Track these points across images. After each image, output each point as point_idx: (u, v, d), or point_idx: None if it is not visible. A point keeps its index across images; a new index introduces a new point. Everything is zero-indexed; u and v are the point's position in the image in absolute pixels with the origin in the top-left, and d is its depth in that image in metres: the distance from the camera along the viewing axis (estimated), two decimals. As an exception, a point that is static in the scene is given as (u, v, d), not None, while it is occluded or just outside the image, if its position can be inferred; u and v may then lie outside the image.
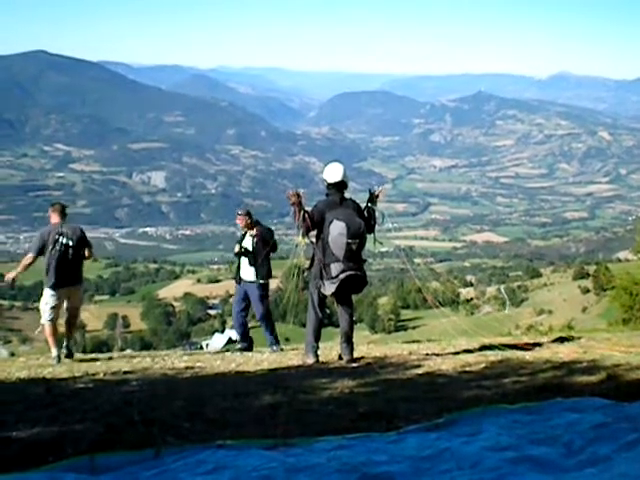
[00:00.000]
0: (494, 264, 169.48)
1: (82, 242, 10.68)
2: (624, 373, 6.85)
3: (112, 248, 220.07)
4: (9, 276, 10.88)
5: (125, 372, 8.44)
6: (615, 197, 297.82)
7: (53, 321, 10.62)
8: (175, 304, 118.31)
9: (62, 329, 11.08)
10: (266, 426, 4.96)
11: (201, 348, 67.40)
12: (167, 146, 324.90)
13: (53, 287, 10.51)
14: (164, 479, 3.65)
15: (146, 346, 65.13)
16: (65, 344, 10.84)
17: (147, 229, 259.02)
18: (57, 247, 10.36)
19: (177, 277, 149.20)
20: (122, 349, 14.93)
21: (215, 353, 11.81)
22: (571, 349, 9.37)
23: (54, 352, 10.45)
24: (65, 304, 10.73)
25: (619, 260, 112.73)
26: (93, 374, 8.31)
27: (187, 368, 8.70)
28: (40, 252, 10.45)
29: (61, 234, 10.41)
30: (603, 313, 63.18)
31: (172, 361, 9.50)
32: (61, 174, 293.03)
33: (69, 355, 10.82)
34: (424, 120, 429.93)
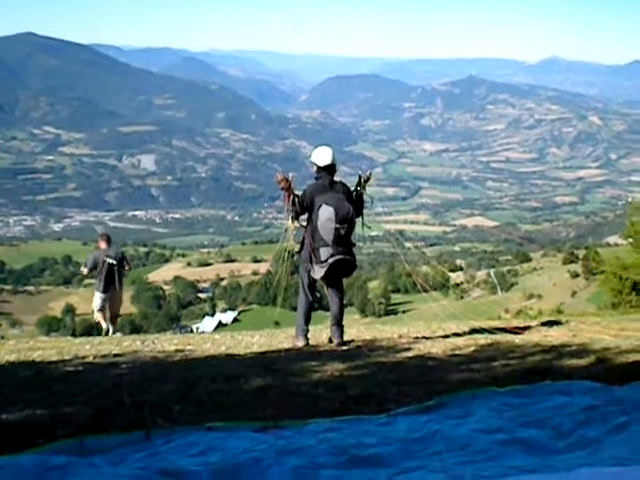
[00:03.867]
0: (484, 248, 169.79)
1: (121, 261, 15.18)
2: (613, 357, 6.87)
3: (101, 230, 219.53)
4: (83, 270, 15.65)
5: (115, 355, 8.42)
6: (605, 182, 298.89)
7: (102, 310, 15.17)
8: (165, 287, 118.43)
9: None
10: (256, 408, 4.96)
11: (191, 331, 67.51)
12: (157, 129, 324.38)
13: (102, 291, 14.99)
14: (154, 461, 3.65)
15: (136, 329, 65.05)
16: (112, 328, 15.20)
17: (137, 212, 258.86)
18: (105, 265, 14.82)
19: (167, 260, 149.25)
20: (113, 333, 15.21)
21: (205, 336, 11.81)
22: (561, 333, 9.40)
23: (104, 326, 15.20)
24: (108, 302, 15.17)
25: (609, 245, 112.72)
26: (83, 357, 8.29)
27: (177, 351, 8.69)
28: (92, 269, 15.05)
29: (108, 256, 14.92)
30: (592, 297, 63.31)
31: (162, 344, 9.49)
32: (50, 157, 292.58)
33: (114, 333, 14.92)
34: (415, 104, 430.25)
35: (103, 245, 15.34)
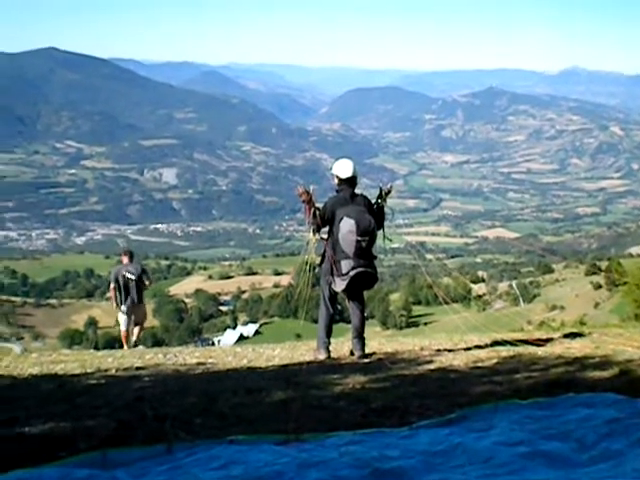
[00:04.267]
0: (506, 260, 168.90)
1: (141, 275, 15.40)
2: (637, 368, 6.83)
3: (124, 245, 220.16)
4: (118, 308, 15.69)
5: (137, 368, 8.45)
6: (627, 192, 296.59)
7: (127, 328, 15.54)
8: (187, 300, 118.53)
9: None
10: (278, 422, 4.96)
11: (213, 344, 67.55)
12: (178, 143, 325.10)
13: (122, 304, 15.22)
14: (176, 474, 3.66)
15: (158, 342, 65.21)
16: (134, 343, 15.58)
17: (158, 226, 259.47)
18: (124, 279, 15.12)
19: (189, 273, 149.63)
20: (134, 345, 15.38)
21: (227, 349, 11.82)
22: (583, 344, 9.35)
23: (125, 347, 14.84)
24: (132, 317, 15.51)
25: (631, 255, 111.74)
26: (105, 370, 8.33)
27: (199, 364, 8.71)
28: (117, 282, 15.19)
29: (127, 271, 15.24)
30: (615, 309, 62.91)
31: (184, 357, 9.52)
32: (73, 171, 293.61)
33: (136, 345, 15.31)
34: (435, 116, 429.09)
35: (125, 260, 15.83)
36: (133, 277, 15.28)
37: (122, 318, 15.53)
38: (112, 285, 15.58)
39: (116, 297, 15.54)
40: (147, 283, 15.84)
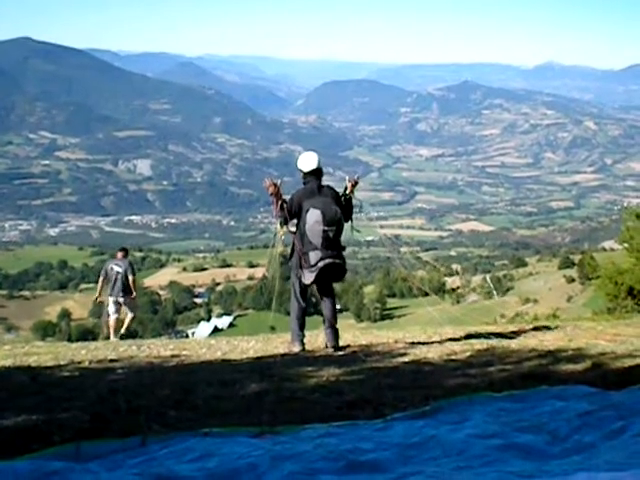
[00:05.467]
0: (480, 253, 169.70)
1: (127, 271, 16.25)
2: (609, 362, 6.89)
3: (98, 236, 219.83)
4: (98, 298, 17.14)
5: (111, 360, 8.41)
6: (600, 187, 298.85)
7: (115, 317, 16.26)
8: (161, 292, 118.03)
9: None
10: (252, 414, 4.96)
11: (187, 336, 67.40)
12: (153, 134, 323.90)
13: (109, 295, 16.16)
14: (150, 467, 3.64)
15: (132, 335, 65.01)
16: (123, 332, 16.36)
17: (133, 217, 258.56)
18: (112, 272, 16.15)
19: (163, 265, 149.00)
20: (107, 337, 15.51)
21: (201, 341, 11.79)
22: (557, 338, 9.41)
23: (112, 338, 15.68)
24: (122, 308, 16.35)
25: (604, 249, 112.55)
26: (79, 362, 8.28)
27: (173, 356, 8.68)
28: (106, 275, 16.26)
29: (115, 264, 16.31)
30: (588, 302, 63.30)
31: (158, 349, 9.48)
32: (46, 162, 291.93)
33: (108, 338, 15.98)
34: (411, 109, 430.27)
35: (119, 255, 17.02)
36: (120, 270, 16.25)
37: (111, 308, 16.34)
38: (101, 278, 16.66)
39: (102, 288, 16.67)
40: (130, 278, 16.48)
